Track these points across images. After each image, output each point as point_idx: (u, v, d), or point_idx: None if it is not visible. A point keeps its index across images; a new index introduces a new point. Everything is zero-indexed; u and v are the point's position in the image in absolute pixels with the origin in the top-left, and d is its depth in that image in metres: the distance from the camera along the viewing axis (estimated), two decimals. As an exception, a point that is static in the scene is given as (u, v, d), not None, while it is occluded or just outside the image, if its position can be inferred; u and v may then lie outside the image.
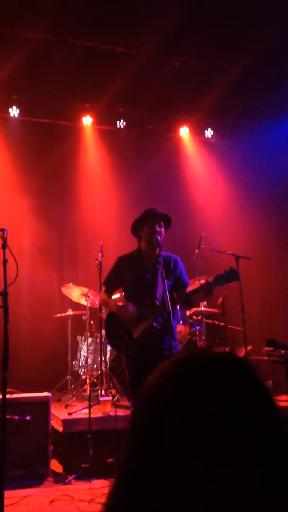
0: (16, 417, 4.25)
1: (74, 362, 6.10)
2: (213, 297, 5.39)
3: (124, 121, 7.14)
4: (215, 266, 4.83)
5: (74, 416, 4.81)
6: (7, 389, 3.45)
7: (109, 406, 4.89)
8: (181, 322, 5.42)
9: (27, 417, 4.29)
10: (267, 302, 6.74)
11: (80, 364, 6.02)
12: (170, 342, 3.50)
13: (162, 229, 3.70)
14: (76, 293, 6.01)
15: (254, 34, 5.30)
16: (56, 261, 6.99)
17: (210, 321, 5.95)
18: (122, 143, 7.27)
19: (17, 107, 6.62)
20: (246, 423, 0.61)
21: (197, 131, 7.45)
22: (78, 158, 7.18)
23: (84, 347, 5.95)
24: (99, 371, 5.49)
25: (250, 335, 5.15)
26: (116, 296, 4.86)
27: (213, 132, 7.47)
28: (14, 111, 6.62)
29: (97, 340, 5.78)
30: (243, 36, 5.42)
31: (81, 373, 5.93)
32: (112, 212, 7.09)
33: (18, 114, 6.65)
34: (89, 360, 5.84)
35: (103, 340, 5.27)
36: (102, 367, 5.36)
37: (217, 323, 5.87)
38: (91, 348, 5.90)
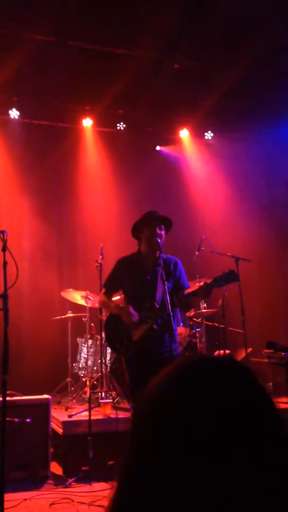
0: (16, 419, 4.24)
1: (74, 364, 6.09)
2: (213, 299, 5.40)
3: (124, 123, 7.15)
4: (216, 268, 4.83)
5: (74, 418, 4.80)
6: (7, 392, 3.45)
7: (109, 408, 4.88)
8: (181, 324, 5.42)
9: (27, 420, 4.29)
10: (267, 304, 6.74)
11: (80, 366, 6.02)
12: (170, 344, 3.50)
13: (163, 232, 3.70)
14: (76, 297, 6.01)
15: (253, 35, 5.30)
16: (56, 263, 6.99)
17: (210, 323, 5.94)
18: (122, 145, 7.28)
19: (17, 109, 6.63)
20: (246, 425, 0.61)
21: (197, 133, 7.46)
22: (78, 160, 7.19)
23: (84, 349, 5.95)
24: (99, 373, 5.48)
25: (250, 337, 5.14)
26: (116, 298, 4.86)
27: (213, 134, 7.48)
28: (14, 113, 6.63)
29: (97, 342, 5.78)
30: (243, 37, 5.43)
31: (81, 375, 5.93)
32: (112, 214, 7.09)
33: (19, 116, 6.66)
34: (89, 362, 5.83)
35: (103, 342, 5.27)
36: (102, 369, 5.35)
37: (217, 325, 5.87)
38: (91, 350, 5.89)
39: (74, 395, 5.63)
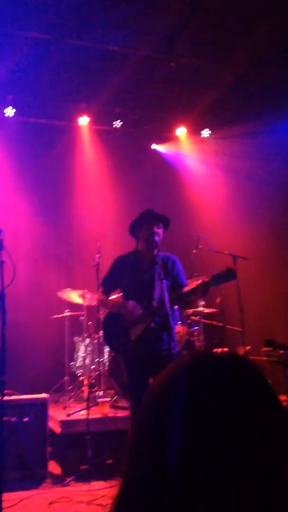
0: (14, 419, 4.23)
1: (71, 363, 6.08)
2: (211, 297, 5.40)
3: (120, 121, 7.13)
4: (213, 266, 4.82)
5: (72, 417, 4.79)
6: (5, 391, 3.43)
7: (108, 407, 4.88)
8: (179, 322, 5.41)
9: (25, 419, 4.27)
10: (265, 302, 6.74)
11: (77, 365, 6.00)
12: (168, 343, 3.49)
13: (160, 230, 3.69)
14: (73, 296, 6.00)
15: (251, 34, 5.29)
16: (53, 261, 6.97)
17: (208, 321, 5.94)
18: (119, 143, 7.26)
19: (13, 107, 6.60)
20: (252, 422, 0.61)
21: (194, 131, 7.44)
22: (74, 158, 7.17)
23: (82, 348, 5.93)
24: (97, 372, 5.47)
25: (248, 335, 5.14)
26: (113, 297, 4.85)
27: (210, 132, 7.46)
28: (10, 112, 6.59)
29: (95, 341, 5.77)
30: (240, 36, 5.41)
31: (79, 374, 5.92)
32: (109, 212, 7.07)
33: (14, 114, 6.63)
34: (87, 361, 5.82)
35: (100, 341, 5.26)
36: (100, 368, 5.34)
37: (215, 323, 5.87)
38: (89, 349, 5.88)
39: (72, 394, 5.62)
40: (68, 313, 6.08)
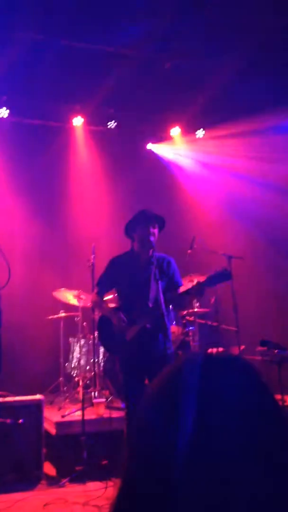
0: (8, 420, 4.21)
1: (66, 364, 6.07)
2: (205, 297, 5.40)
3: (115, 121, 7.13)
4: (208, 266, 4.83)
5: (67, 418, 4.78)
6: None
7: (103, 408, 4.87)
8: (174, 322, 5.42)
9: (20, 421, 4.26)
10: (260, 302, 6.76)
11: (72, 365, 5.99)
12: (164, 343, 3.49)
13: (156, 230, 3.69)
14: (68, 296, 5.98)
15: (245, 35, 5.31)
16: (48, 262, 6.95)
17: (203, 321, 5.95)
18: (113, 143, 7.26)
19: (7, 108, 6.58)
20: (250, 423, 0.61)
21: (189, 131, 7.45)
22: (69, 159, 7.16)
23: (77, 349, 5.92)
24: (92, 373, 5.46)
25: (243, 335, 5.15)
26: (109, 297, 4.84)
27: (205, 132, 7.48)
28: (4, 112, 6.57)
29: (90, 342, 5.76)
30: (235, 37, 5.43)
31: (74, 375, 5.90)
32: (104, 213, 7.07)
33: (8, 115, 6.61)
34: (82, 362, 5.81)
35: (96, 341, 5.25)
36: (95, 368, 5.34)
37: (210, 323, 5.88)
38: (84, 349, 5.87)
39: (67, 395, 5.61)
40: (63, 314, 6.07)
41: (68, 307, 6.11)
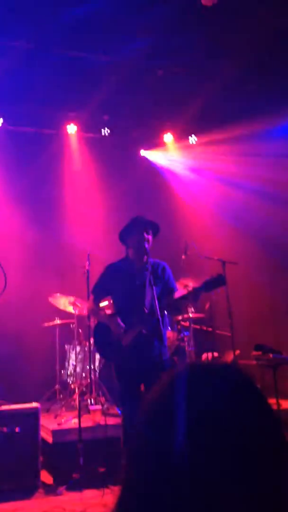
0: (4, 429, 4.20)
1: (62, 371, 6.05)
2: (200, 303, 5.42)
3: (108, 128, 7.17)
4: (202, 272, 4.86)
5: (64, 426, 4.77)
6: (-4, 401, 3.42)
7: (99, 415, 4.86)
8: (169, 328, 5.43)
9: (16, 429, 4.24)
10: (254, 307, 6.79)
11: (68, 373, 5.98)
12: (159, 349, 3.50)
13: (150, 236, 3.72)
14: (63, 302, 5.98)
15: (239, 41, 5.36)
16: (43, 270, 6.94)
17: (198, 327, 5.97)
18: (107, 150, 7.29)
19: (0, 116, 6.59)
20: (246, 435, 0.63)
21: (181, 138, 7.50)
22: (63, 166, 7.18)
23: (73, 356, 5.91)
24: (88, 380, 5.45)
25: (238, 339, 5.17)
26: (104, 303, 4.85)
27: (197, 138, 7.53)
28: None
29: (86, 349, 5.75)
30: (229, 43, 5.48)
31: (70, 382, 5.89)
32: (99, 220, 7.08)
33: (2, 123, 6.62)
34: (78, 369, 5.80)
35: (91, 348, 5.25)
36: (91, 375, 5.33)
37: (205, 328, 5.89)
38: (80, 356, 5.86)
39: (63, 403, 5.59)
40: (59, 321, 6.06)
41: (63, 314, 6.11)
